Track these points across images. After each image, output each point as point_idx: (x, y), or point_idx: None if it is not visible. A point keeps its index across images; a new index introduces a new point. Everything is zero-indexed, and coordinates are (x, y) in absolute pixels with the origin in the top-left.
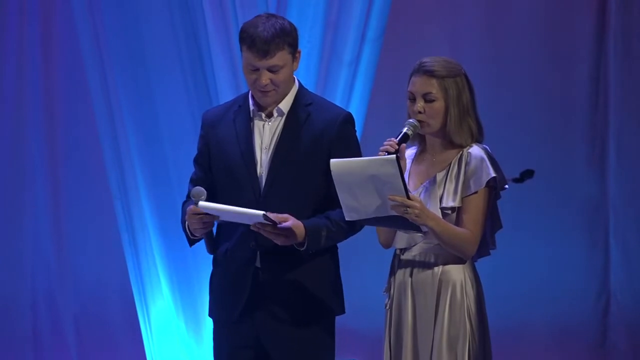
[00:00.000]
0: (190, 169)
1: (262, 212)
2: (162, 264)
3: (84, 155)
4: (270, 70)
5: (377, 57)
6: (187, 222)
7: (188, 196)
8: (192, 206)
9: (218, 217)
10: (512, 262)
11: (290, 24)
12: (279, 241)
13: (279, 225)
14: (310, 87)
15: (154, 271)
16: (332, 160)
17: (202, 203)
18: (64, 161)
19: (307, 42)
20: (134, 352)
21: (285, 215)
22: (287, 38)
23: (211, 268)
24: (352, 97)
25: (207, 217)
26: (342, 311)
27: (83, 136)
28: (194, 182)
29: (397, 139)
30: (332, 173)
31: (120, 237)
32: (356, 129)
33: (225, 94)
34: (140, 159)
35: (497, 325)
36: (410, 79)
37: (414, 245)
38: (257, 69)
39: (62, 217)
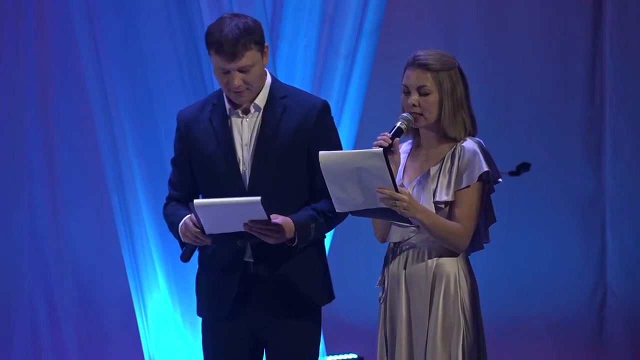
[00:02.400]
0: None
1: (258, 198)
2: (159, 258)
3: (80, 150)
4: (241, 70)
5: (374, 50)
6: (180, 227)
7: (169, 198)
8: (191, 217)
9: (209, 243)
10: (509, 255)
11: (254, 20)
12: (271, 240)
13: (272, 220)
14: (307, 80)
15: (151, 265)
16: (321, 153)
17: (197, 201)
18: (61, 156)
19: (304, 36)
20: (131, 345)
21: (273, 215)
22: (253, 36)
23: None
24: (348, 90)
25: (202, 237)
26: (332, 297)
27: (80, 132)
28: (174, 183)
29: (391, 133)
30: (321, 165)
31: (117, 231)
32: (353, 122)
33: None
34: (137, 155)
35: (493, 318)
36: (404, 72)
37: (408, 239)
38: (228, 72)
39: (59, 212)
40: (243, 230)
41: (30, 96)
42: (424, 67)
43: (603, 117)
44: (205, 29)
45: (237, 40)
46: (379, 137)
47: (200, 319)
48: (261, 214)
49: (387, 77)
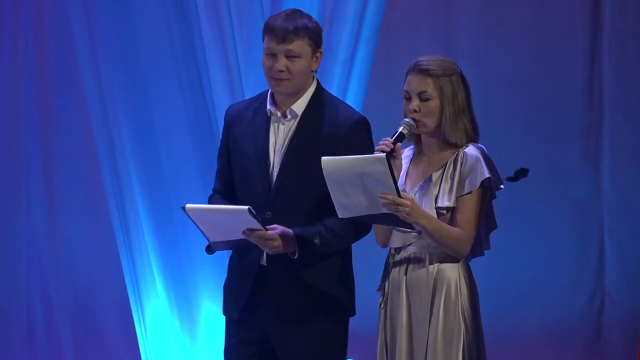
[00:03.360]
0: (184, 168)
1: (246, 207)
2: (157, 263)
3: (78, 154)
4: (288, 55)
5: (371, 55)
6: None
7: (214, 191)
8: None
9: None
10: (507, 260)
11: (317, 23)
12: (269, 250)
13: (268, 229)
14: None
15: (149, 270)
16: (323, 158)
17: (188, 205)
18: (58, 160)
19: None
20: (129, 350)
21: (274, 225)
22: (309, 31)
23: (205, 266)
24: (346, 95)
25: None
26: (352, 312)
27: (77, 135)
28: (218, 175)
29: (393, 138)
30: (324, 170)
31: (115, 235)
32: None
33: (219, 93)
34: (135, 158)
35: (493, 323)
36: (406, 77)
37: (409, 245)
38: (275, 55)
39: (57, 216)
40: (242, 233)
41: (28, 99)
42: (425, 72)
43: (601, 120)
44: (203, 30)
45: (292, 25)
46: (380, 142)
47: (197, 325)
48: (253, 223)
49: (385, 82)
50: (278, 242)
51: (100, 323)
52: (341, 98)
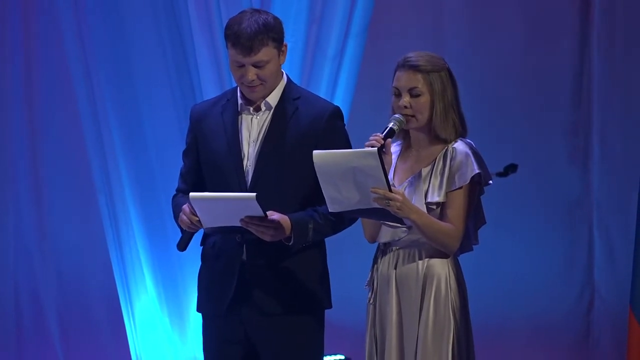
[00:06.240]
0: (173, 165)
1: (253, 194)
2: (146, 260)
3: (67, 151)
4: (256, 65)
5: (361, 51)
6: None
7: (177, 190)
8: (189, 204)
9: (201, 226)
10: (496, 257)
11: (275, 18)
12: (267, 237)
13: (269, 217)
14: (294, 81)
15: (138, 267)
16: (315, 152)
17: (192, 194)
18: (48, 157)
19: (291, 37)
20: (118, 347)
21: (270, 212)
22: (271, 33)
23: (195, 263)
24: (336, 91)
25: (197, 223)
26: (329, 305)
27: (67, 132)
28: (184, 175)
29: (383, 134)
30: (315, 164)
31: (105, 232)
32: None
33: (210, 92)
34: (125, 155)
35: (481, 320)
36: (395, 74)
37: (398, 240)
38: (242, 65)
39: (46, 213)
40: (240, 225)
41: (17, 97)
42: (415, 68)
43: (590, 119)
44: (193, 28)
45: (255, 34)
46: (371, 138)
47: (187, 322)
48: (257, 211)
49: (374, 78)
50: (278, 230)
51: (90, 320)
52: (330, 94)
